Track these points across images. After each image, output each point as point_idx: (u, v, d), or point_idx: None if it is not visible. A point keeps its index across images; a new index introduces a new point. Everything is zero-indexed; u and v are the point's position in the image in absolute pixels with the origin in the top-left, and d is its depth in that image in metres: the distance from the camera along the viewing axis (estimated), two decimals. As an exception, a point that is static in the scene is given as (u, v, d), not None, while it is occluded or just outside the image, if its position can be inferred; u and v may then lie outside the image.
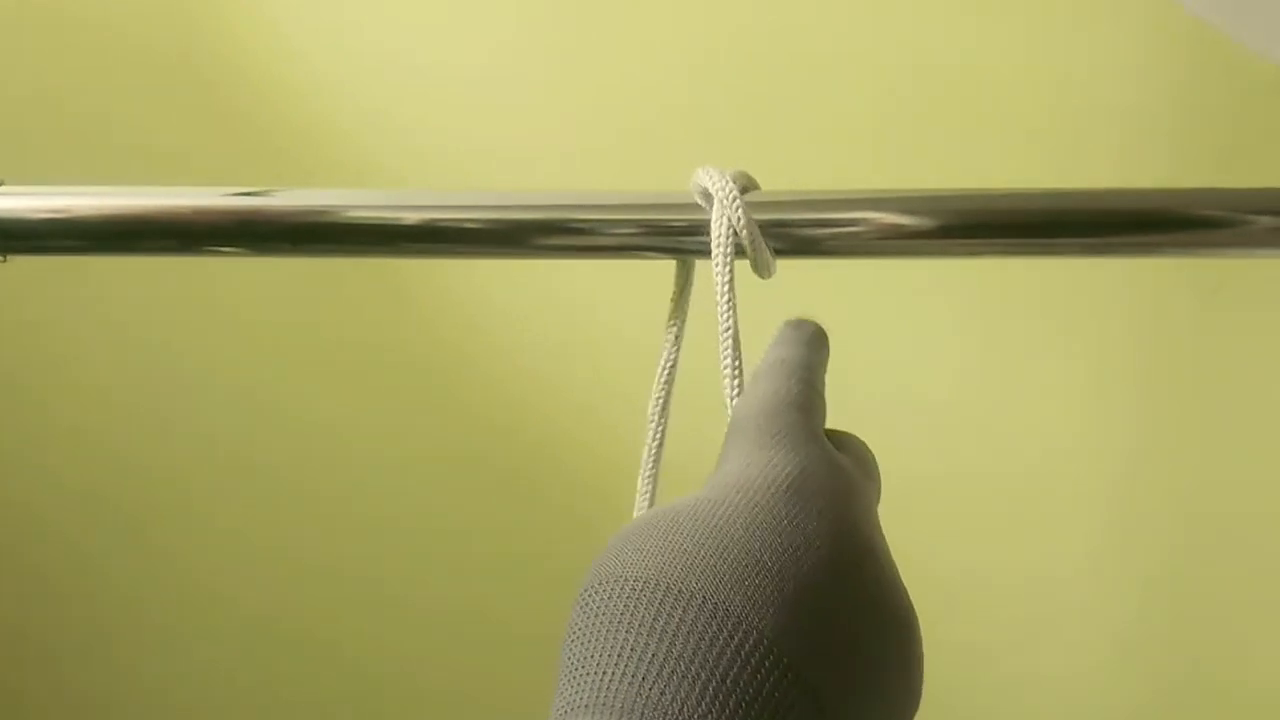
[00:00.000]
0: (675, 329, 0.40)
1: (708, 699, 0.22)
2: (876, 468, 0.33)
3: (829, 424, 0.33)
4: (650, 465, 0.39)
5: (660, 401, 0.39)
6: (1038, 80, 0.75)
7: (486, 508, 0.86)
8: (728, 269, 0.38)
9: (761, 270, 0.39)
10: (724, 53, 0.77)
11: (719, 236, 0.38)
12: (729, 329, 0.37)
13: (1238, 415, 0.79)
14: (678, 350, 0.40)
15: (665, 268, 0.42)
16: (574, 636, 0.25)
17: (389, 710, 0.89)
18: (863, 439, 0.33)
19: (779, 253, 0.40)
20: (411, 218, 0.40)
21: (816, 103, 0.76)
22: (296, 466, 0.86)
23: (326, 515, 0.86)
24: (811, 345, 0.34)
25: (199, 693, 0.90)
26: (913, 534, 0.81)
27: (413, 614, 0.88)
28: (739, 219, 0.38)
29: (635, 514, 0.38)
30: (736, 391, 0.36)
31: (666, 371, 0.39)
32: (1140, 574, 0.81)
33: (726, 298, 0.37)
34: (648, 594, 0.25)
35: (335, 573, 0.87)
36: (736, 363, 0.37)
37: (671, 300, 0.41)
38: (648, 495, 0.38)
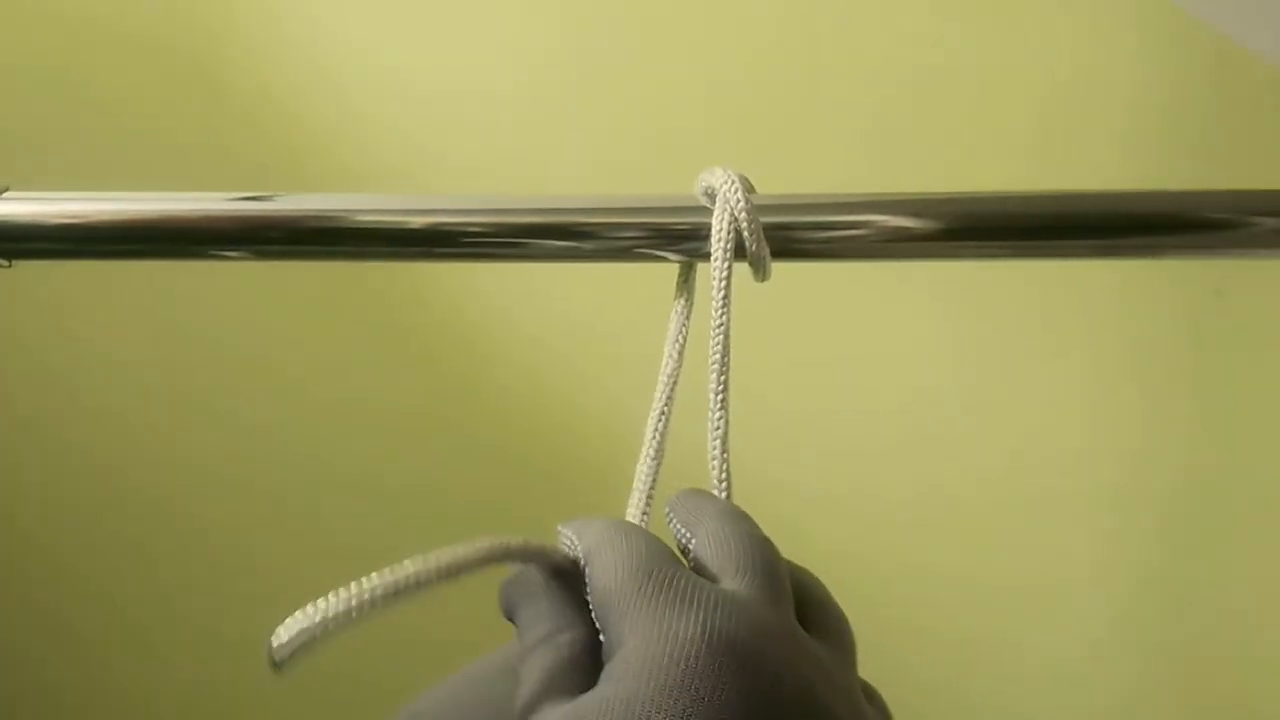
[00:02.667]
0: (680, 335, 0.40)
1: None
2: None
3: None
4: (649, 473, 0.38)
5: (662, 416, 0.38)
6: (1037, 82, 0.75)
7: (491, 522, 0.86)
8: (727, 265, 0.37)
9: (759, 270, 0.39)
10: (726, 60, 0.77)
11: (720, 231, 0.38)
12: (721, 325, 0.37)
13: (1241, 417, 0.79)
14: (681, 359, 0.39)
15: (674, 272, 0.42)
16: None
17: None
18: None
19: (783, 255, 0.40)
20: (417, 222, 0.40)
21: (817, 109, 0.76)
22: (295, 482, 0.85)
23: (324, 531, 0.86)
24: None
25: (192, 708, 0.90)
26: (910, 539, 0.81)
27: (410, 627, 0.88)
28: (741, 214, 0.38)
29: (629, 514, 0.38)
30: (722, 389, 0.36)
31: (670, 383, 0.39)
32: (1141, 578, 0.81)
33: (723, 293, 0.37)
34: None
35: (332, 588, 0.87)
36: (725, 360, 0.36)
37: (674, 304, 0.41)
38: (646, 498, 0.38)
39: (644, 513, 0.37)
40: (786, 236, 0.39)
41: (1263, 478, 0.79)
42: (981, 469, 0.81)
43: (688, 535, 0.30)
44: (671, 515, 0.31)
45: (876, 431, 0.80)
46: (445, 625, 0.88)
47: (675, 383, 0.39)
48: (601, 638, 0.26)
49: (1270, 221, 0.39)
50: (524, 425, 0.83)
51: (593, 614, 0.27)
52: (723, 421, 0.36)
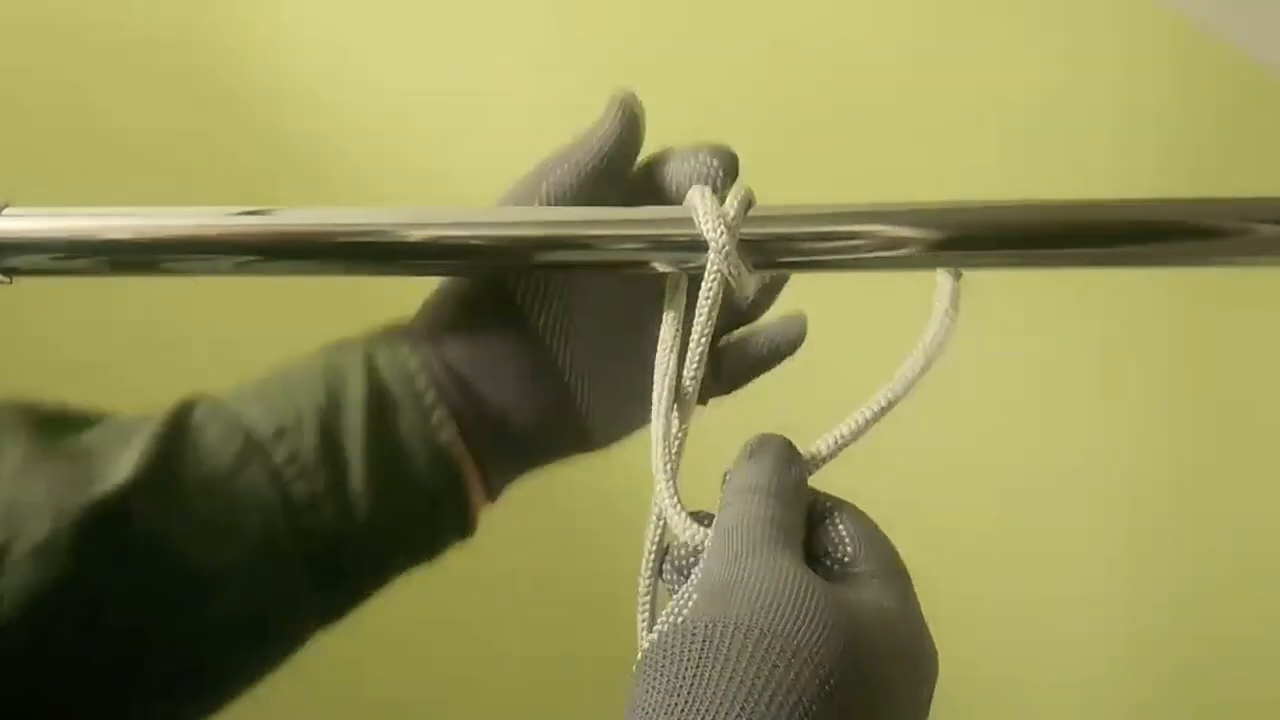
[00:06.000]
0: (675, 344, 0.40)
1: None
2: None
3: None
4: (668, 477, 0.38)
5: (672, 435, 0.39)
6: (1034, 90, 0.75)
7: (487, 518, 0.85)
8: (711, 321, 0.38)
9: (739, 288, 0.39)
10: (721, 70, 0.77)
11: (709, 287, 0.38)
12: (698, 357, 0.38)
13: (1242, 424, 0.78)
14: (680, 370, 0.40)
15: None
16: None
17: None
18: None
19: (779, 266, 0.40)
20: (415, 235, 0.40)
21: (818, 115, 0.77)
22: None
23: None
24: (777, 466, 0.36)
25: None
26: (921, 545, 0.81)
27: (407, 623, 0.87)
28: (726, 263, 0.38)
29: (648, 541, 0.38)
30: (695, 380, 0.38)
31: (668, 387, 0.39)
32: (1146, 578, 0.81)
33: (704, 334, 0.38)
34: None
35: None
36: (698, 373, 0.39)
37: (671, 313, 0.41)
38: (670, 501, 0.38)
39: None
40: (787, 248, 0.39)
41: (1266, 482, 0.79)
42: (980, 474, 0.81)
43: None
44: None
45: (879, 439, 0.79)
46: (458, 614, 0.87)
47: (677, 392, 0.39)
48: (850, 549, 0.35)
49: (1270, 229, 0.39)
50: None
51: (843, 533, 0.35)
52: (667, 438, 0.38)
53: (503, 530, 0.85)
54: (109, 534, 0.34)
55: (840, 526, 0.36)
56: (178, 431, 0.38)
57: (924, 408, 0.79)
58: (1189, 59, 0.73)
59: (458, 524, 0.41)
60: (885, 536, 0.36)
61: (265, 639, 0.38)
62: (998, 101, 0.76)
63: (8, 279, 0.42)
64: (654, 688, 0.28)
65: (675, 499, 0.37)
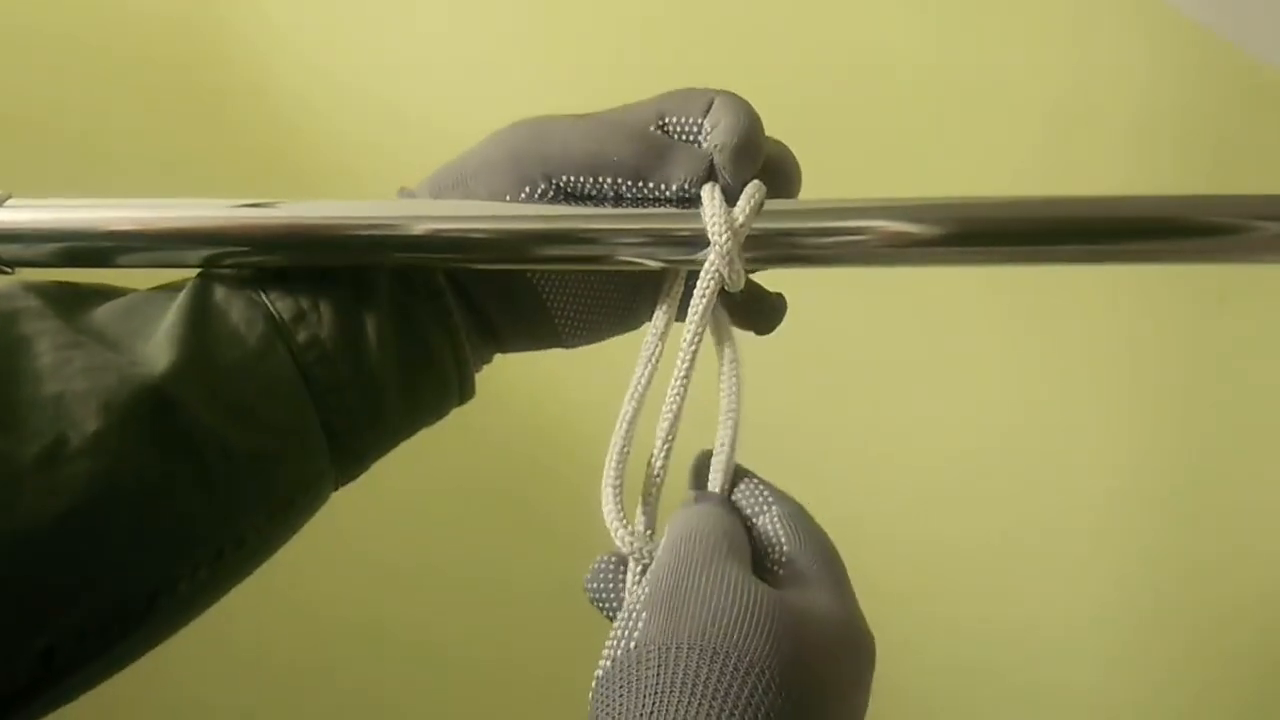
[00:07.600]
0: (657, 343, 0.40)
1: None
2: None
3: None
4: (615, 473, 0.38)
5: (628, 419, 0.39)
6: (1039, 87, 0.75)
7: (483, 525, 0.86)
8: (706, 319, 0.38)
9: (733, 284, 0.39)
10: (729, 66, 0.77)
11: (705, 286, 0.38)
12: (690, 356, 0.38)
13: (1245, 421, 0.78)
14: (655, 367, 0.40)
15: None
16: None
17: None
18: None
19: (783, 261, 0.40)
20: (417, 228, 0.40)
21: (822, 110, 0.76)
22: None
23: (311, 547, 0.86)
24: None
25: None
26: (919, 535, 0.81)
27: (403, 639, 0.88)
28: (726, 265, 0.38)
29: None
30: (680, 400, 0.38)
31: (641, 388, 0.39)
32: (1147, 591, 0.81)
33: (698, 332, 0.38)
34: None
35: (326, 597, 0.87)
36: (684, 390, 0.38)
37: (663, 310, 0.41)
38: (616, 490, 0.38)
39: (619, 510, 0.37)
40: (786, 242, 0.39)
41: (1266, 481, 0.79)
42: (982, 479, 0.81)
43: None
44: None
45: (882, 424, 0.79)
46: (454, 627, 0.88)
47: (645, 396, 0.39)
48: (786, 548, 0.35)
49: (1274, 226, 0.39)
50: (527, 434, 0.83)
51: (778, 530, 0.36)
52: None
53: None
54: (156, 422, 0.35)
55: (775, 525, 0.36)
56: (204, 314, 0.38)
57: (913, 400, 0.80)
58: (1191, 56, 0.73)
59: (462, 394, 0.43)
60: (818, 527, 0.36)
61: (293, 512, 0.39)
62: (1001, 100, 0.75)
63: (10, 271, 0.42)
64: (613, 718, 0.28)
65: (618, 507, 0.37)
